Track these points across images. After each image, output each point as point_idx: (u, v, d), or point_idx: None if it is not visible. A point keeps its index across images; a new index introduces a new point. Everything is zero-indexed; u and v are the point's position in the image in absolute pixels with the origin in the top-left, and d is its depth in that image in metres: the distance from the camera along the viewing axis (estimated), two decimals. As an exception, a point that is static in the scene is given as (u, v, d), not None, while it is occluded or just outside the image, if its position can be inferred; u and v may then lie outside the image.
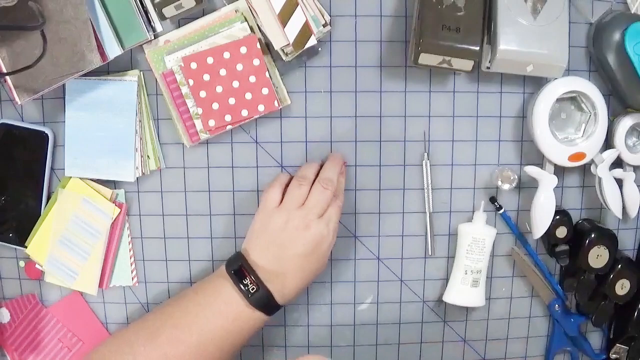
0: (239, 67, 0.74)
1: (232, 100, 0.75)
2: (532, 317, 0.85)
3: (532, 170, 0.78)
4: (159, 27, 0.75)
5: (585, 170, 0.81)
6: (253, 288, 0.70)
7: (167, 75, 0.75)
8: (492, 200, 0.81)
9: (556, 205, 0.78)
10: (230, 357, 0.73)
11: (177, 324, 0.70)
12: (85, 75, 0.72)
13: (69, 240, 0.78)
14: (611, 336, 0.85)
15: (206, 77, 0.74)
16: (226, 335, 0.70)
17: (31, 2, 0.66)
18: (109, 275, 0.80)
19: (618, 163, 0.80)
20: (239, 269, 0.71)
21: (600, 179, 0.78)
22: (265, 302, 0.70)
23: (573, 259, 0.80)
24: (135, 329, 0.73)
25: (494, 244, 0.81)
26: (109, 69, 0.76)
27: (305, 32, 0.72)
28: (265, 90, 0.75)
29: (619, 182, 0.80)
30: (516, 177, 0.80)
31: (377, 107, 0.79)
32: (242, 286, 0.70)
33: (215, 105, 0.75)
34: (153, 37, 0.74)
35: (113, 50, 0.72)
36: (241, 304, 0.70)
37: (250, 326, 0.71)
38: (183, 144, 0.78)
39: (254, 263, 0.71)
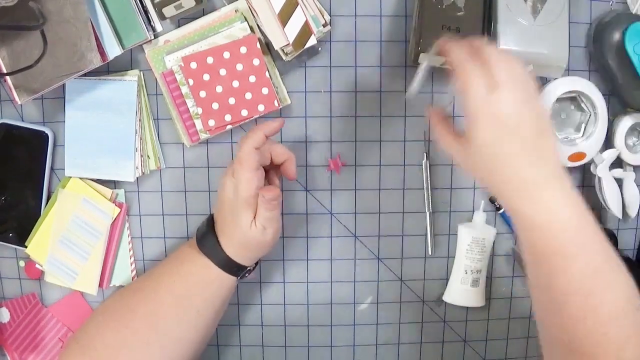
0: (239, 67, 0.74)
1: (232, 100, 0.75)
2: (532, 317, 0.85)
3: (532, 170, 0.78)
4: (159, 27, 0.75)
5: (585, 170, 0.81)
6: (205, 233, 0.71)
7: (167, 75, 0.75)
8: (492, 200, 0.81)
9: (556, 205, 0.78)
10: (191, 315, 0.71)
11: (138, 284, 0.74)
12: (85, 75, 0.72)
13: (69, 240, 0.78)
14: (611, 336, 0.85)
15: (206, 77, 0.74)
16: (180, 284, 0.70)
17: (31, 2, 0.66)
18: (109, 275, 0.80)
19: (618, 163, 0.80)
20: (206, 221, 0.73)
21: (600, 179, 0.78)
22: (210, 248, 0.69)
23: (573, 259, 0.80)
24: (110, 298, 0.76)
25: (494, 244, 0.81)
26: (109, 69, 0.76)
27: (305, 32, 0.72)
28: (265, 90, 0.75)
29: (619, 182, 0.80)
30: (516, 177, 0.80)
31: (377, 107, 0.79)
32: (197, 232, 0.72)
33: (215, 105, 0.75)
34: (153, 37, 0.74)
35: (113, 50, 0.72)
36: (194, 248, 0.71)
37: (202, 275, 0.70)
38: (183, 144, 0.79)
39: (216, 215, 0.72)
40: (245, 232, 0.68)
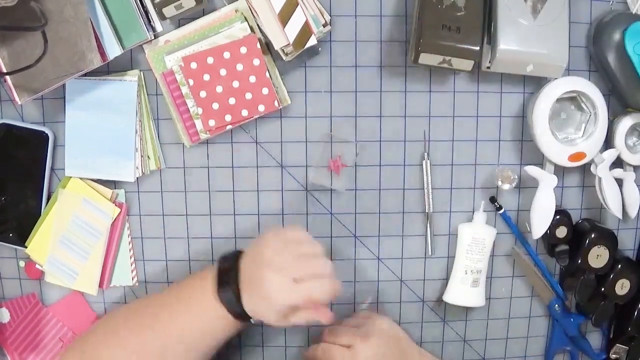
0: (239, 67, 0.74)
1: (232, 100, 0.75)
2: (532, 317, 0.85)
3: (532, 170, 0.78)
4: (159, 27, 0.75)
5: (585, 170, 0.81)
6: (226, 279, 0.69)
7: (167, 75, 0.75)
8: (492, 200, 0.81)
9: (556, 205, 0.78)
10: (198, 353, 0.71)
11: (152, 310, 0.73)
12: (85, 75, 0.72)
13: (69, 240, 0.78)
14: (611, 336, 0.85)
15: (206, 77, 0.74)
16: (189, 320, 0.70)
17: (33, 2, 0.65)
18: (109, 275, 0.80)
19: (618, 163, 0.80)
20: (227, 261, 0.71)
21: (600, 179, 0.78)
22: (229, 299, 0.68)
23: (573, 259, 0.80)
24: (121, 312, 0.75)
25: (494, 244, 0.81)
26: (109, 69, 0.76)
27: (305, 32, 0.72)
28: (265, 90, 0.75)
29: (619, 182, 0.80)
30: (516, 177, 0.80)
31: (377, 107, 0.79)
32: (219, 276, 0.69)
33: (215, 105, 0.75)
34: (153, 37, 0.75)
35: (113, 50, 0.72)
36: (209, 291, 0.69)
37: (211, 318, 0.69)
38: (183, 144, 0.78)
39: (241, 262, 0.70)
40: (274, 314, 0.68)
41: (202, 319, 0.70)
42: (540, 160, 0.79)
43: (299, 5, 0.72)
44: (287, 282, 0.67)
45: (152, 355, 0.70)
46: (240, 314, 0.69)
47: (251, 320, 0.70)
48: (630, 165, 0.80)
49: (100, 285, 0.80)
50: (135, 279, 0.81)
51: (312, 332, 0.83)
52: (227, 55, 0.74)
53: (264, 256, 0.68)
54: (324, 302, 0.69)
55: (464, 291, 0.80)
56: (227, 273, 0.70)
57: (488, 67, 0.75)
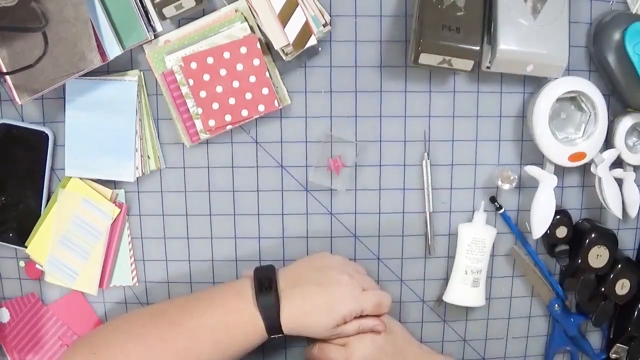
0: (239, 67, 0.74)
1: (232, 100, 0.75)
2: (532, 317, 0.85)
3: (532, 170, 0.78)
4: (159, 27, 0.75)
5: (585, 170, 0.81)
6: (267, 287, 0.70)
7: (167, 75, 0.75)
8: (492, 200, 0.81)
9: (556, 205, 0.78)
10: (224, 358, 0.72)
11: (180, 308, 0.72)
12: (85, 75, 0.72)
13: (69, 240, 0.78)
14: (611, 336, 0.85)
15: (206, 77, 0.74)
16: (223, 329, 0.70)
17: (34, 2, 0.65)
18: (109, 275, 0.80)
19: (618, 163, 0.80)
20: (265, 271, 0.73)
21: (600, 179, 0.78)
22: (270, 306, 0.69)
23: (573, 259, 0.80)
24: (138, 311, 0.76)
25: (494, 244, 0.81)
26: (109, 69, 0.76)
27: (305, 32, 0.72)
28: (265, 90, 0.75)
29: (619, 182, 0.80)
30: (516, 177, 0.80)
31: (377, 107, 0.79)
32: (258, 283, 0.71)
33: (215, 105, 0.75)
34: (153, 37, 0.74)
35: (113, 50, 0.72)
36: (249, 300, 0.70)
37: (246, 327, 0.70)
38: (183, 144, 0.78)
39: (279, 275, 0.73)
40: (331, 321, 0.71)
41: (239, 332, 0.70)
42: (540, 160, 0.79)
43: (299, 6, 0.72)
44: (358, 288, 0.72)
45: (175, 349, 0.69)
46: (274, 324, 0.70)
47: (277, 336, 0.71)
48: (630, 165, 0.80)
49: (100, 285, 0.80)
50: (135, 279, 0.81)
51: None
52: (227, 55, 0.74)
53: (330, 262, 0.74)
54: (387, 310, 0.75)
55: (464, 291, 0.80)
56: (267, 279, 0.71)
57: (488, 67, 0.75)
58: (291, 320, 0.70)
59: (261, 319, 0.70)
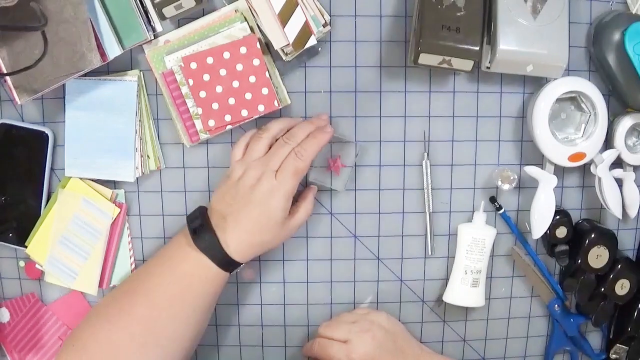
0: (239, 67, 0.74)
1: (232, 100, 0.75)
2: (532, 317, 0.85)
3: (532, 170, 0.78)
4: (159, 27, 0.75)
5: (585, 170, 0.81)
6: (199, 229, 0.70)
7: (167, 75, 0.75)
8: (492, 200, 0.81)
9: (556, 205, 0.78)
10: (188, 316, 0.71)
11: (131, 285, 0.73)
12: (85, 75, 0.72)
13: (69, 240, 0.78)
14: (611, 336, 0.85)
15: (206, 77, 0.74)
16: (175, 282, 0.70)
17: (33, 2, 0.65)
18: (109, 275, 0.80)
19: (618, 163, 0.80)
20: (194, 214, 0.73)
21: (600, 179, 0.78)
22: (208, 245, 0.69)
23: (573, 259, 0.80)
24: (104, 299, 0.75)
25: (494, 244, 0.81)
26: (109, 69, 0.76)
27: (305, 32, 0.72)
28: (265, 90, 0.75)
29: (619, 182, 0.80)
30: (516, 177, 0.80)
31: (377, 107, 0.79)
32: (190, 227, 0.71)
33: (215, 105, 0.75)
34: (153, 37, 0.75)
35: (113, 50, 0.72)
36: (188, 246, 0.70)
37: (197, 272, 0.70)
38: (183, 144, 0.79)
39: (210, 210, 0.72)
40: (278, 222, 0.71)
41: (186, 275, 0.70)
42: (540, 160, 0.79)
43: (299, 6, 0.72)
44: (272, 174, 0.70)
45: (142, 326, 0.69)
46: (223, 259, 0.70)
47: (239, 267, 0.71)
48: (630, 165, 0.80)
49: (100, 285, 0.80)
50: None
51: (312, 330, 0.83)
52: (227, 55, 0.74)
53: (236, 176, 0.72)
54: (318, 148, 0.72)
55: (464, 291, 0.80)
56: (197, 223, 0.71)
57: (488, 67, 0.75)
58: (240, 247, 0.70)
59: (209, 260, 0.70)
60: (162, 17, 0.73)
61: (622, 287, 0.80)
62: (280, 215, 0.71)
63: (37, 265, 0.80)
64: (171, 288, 0.70)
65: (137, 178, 0.78)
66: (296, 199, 0.74)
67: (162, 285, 0.71)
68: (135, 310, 0.70)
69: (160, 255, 0.74)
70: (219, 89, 0.75)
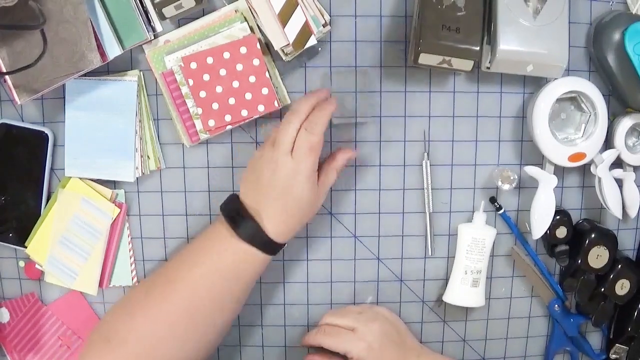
0: (239, 67, 0.74)
1: (232, 100, 0.75)
2: (532, 317, 0.85)
3: (532, 170, 0.78)
4: (159, 27, 0.75)
5: (585, 170, 0.81)
6: (239, 219, 0.69)
7: (167, 75, 0.75)
8: (492, 200, 0.81)
9: (556, 205, 0.78)
10: (229, 305, 0.72)
11: (171, 272, 0.72)
12: (85, 75, 0.72)
13: (69, 240, 0.78)
14: (611, 336, 0.85)
15: (206, 77, 0.74)
16: (219, 276, 0.70)
17: (31, 2, 0.66)
18: (109, 275, 0.80)
19: (618, 163, 0.80)
20: (228, 203, 0.72)
21: (600, 179, 0.78)
22: (252, 233, 0.69)
23: (573, 259, 0.80)
24: (135, 291, 0.75)
25: (494, 244, 0.81)
26: (109, 69, 0.76)
27: (305, 32, 0.72)
28: (265, 90, 0.75)
29: (619, 182, 0.80)
30: (516, 177, 0.80)
31: (377, 107, 0.79)
32: (229, 219, 0.70)
33: (215, 105, 0.75)
34: (153, 37, 0.75)
35: (113, 50, 0.72)
36: (231, 237, 0.69)
37: (244, 263, 0.70)
38: (183, 144, 0.79)
39: (242, 199, 0.71)
40: (307, 201, 0.70)
41: (232, 265, 0.70)
42: (540, 160, 0.79)
43: (299, 6, 0.72)
44: (286, 159, 0.68)
45: (184, 316, 0.69)
46: (267, 245, 0.69)
47: (283, 246, 0.71)
48: (630, 165, 0.80)
49: (100, 285, 0.80)
50: (135, 279, 0.81)
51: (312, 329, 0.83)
52: (227, 55, 0.74)
53: (262, 162, 0.70)
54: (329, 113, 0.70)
55: (464, 291, 0.80)
56: (234, 212, 0.70)
57: (488, 67, 0.75)
58: (279, 230, 0.70)
59: (255, 249, 0.69)
60: (162, 17, 0.73)
61: (622, 287, 0.80)
62: (307, 195, 0.69)
63: (37, 265, 0.80)
64: (216, 279, 0.70)
65: (137, 178, 0.78)
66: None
67: (207, 276, 0.70)
68: (178, 302, 0.69)
69: (199, 247, 0.72)
70: (219, 89, 0.75)
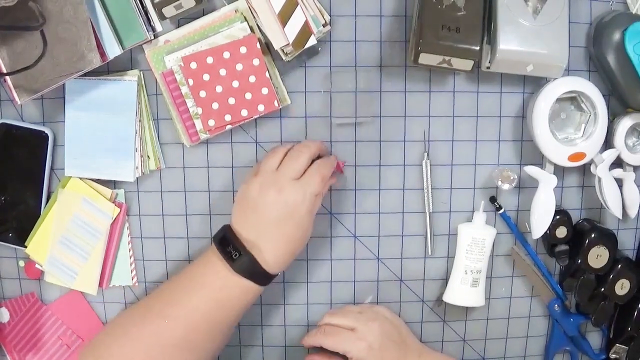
0: (239, 67, 0.74)
1: (232, 100, 0.75)
2: (532, 317, 0.85)
3: (532, 170, 0.78)
4: (158, 27, 0.75)
5: (585, 170, 0.81)
6: (235, 254, 0.69)
7: (167, 75, 0.75)
8: (492, 200, 0.81)
9: (556, 205, 0.78)
10: (223, 332, 0.73)
11: (167, 300, 0.72)
12: (85, 75, 0.72)
13: (69, 240, 0.78)
14: (611, 336, 0.85)
15: (206, 77, 0.74)
16: (215, 307, 0.70)
17: (31, 2, 0.66)
18: (109, 275, 0.80)
19: (618, 163, 0.80)
20: (223, 237, 0.71)
21: (600, 179, 0.78)
22: (249, 268, 0.69)
23: (573, 259, 0.80)
24: (130, 311, 0.75)
25: (494, 244, 0.81)
26: (109, 69, 0.76)
27: (305, 32, 0.72)
28: (265, 90, 0.75)
29: (619, 182, 0.80)
30: (516, 177, 0.80)
31: (377, 107, 0.79)
32: (224, 254, 0.70)
33: (215, 105, 0.75)
34: (153, 37, 0.74)
35: (113, 50, 0.72)
36: (227, 271, 0.70)
37: (239, 295, 0.70)
38: (183, 144, 0.78)
39: (236, 231, 0.71)
40: (307, 228, 0.71)
41: (228, 299, 0.70)
42: (540, 160, 0.79)
43: (299, 5, 0.72)
44: (298, 183, 0.70)
45: (177, 347, 0.70)
46: (265, 278, 0.70)
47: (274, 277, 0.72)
48: (630, 165, 0.80)
49: (100, 285, 0.80)
50: (135, 279, 0.81)
51: (312, 329, 0.83)
52: (226, 55, 0.74)
53: (253, 190, 0.70)
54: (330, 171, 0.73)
55: (464, 291, 0.80)
56: (229, 248, 0.70)
57: (488, 67, 0.75)
58: (279, 259, 0.70)
59: (250, 282, 0.70)
60: (162, 17, 0.73)
61: (622, 287, 0.80)
62: (308, 222, 0.71)
63: (37, 265, 0.80)
64: (212, 311, 0.70)
65: (137, 178, 0.78)
66: None
67: (201, 309, 0.70)
68: (172, 333, 0.70)
69: (192, 279, 0.72)
70: (219, 88, 0.75)
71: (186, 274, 0.73)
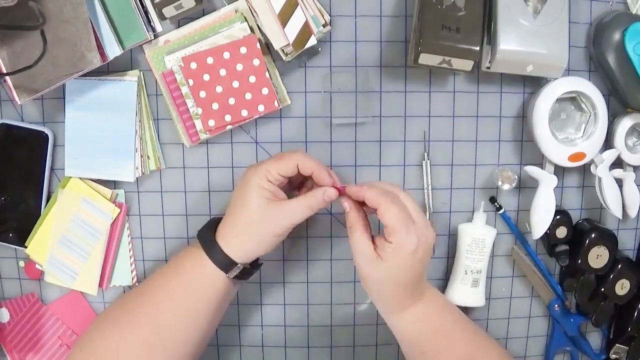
0: (239, 67, 0.74)
1: (232, 100, 0.75)
2: (532, 317, 0.85)
3: (532, 170, 0.78)
4: (159, 27, 0.75)
5: (585, 170, 0.81)
6: (201, 234, 0.71)
7: (167, 75, 0.75)
8: (492, 200, 0.81)
9: (556, 205, 0.78)
10: (195, 322, 0.71)
11: (139, 290, 0.73)
12: (85, 75, 0.72)
13: (69, 240, 0.78)
14: (611, 336, 0.85)
15: (206, 77, 0.74)
16: (180, 288, 0.70)
17: (31, 2, 0.66)
18: (109, 275, 0.80)
19: (618, 163, 0.80)
20: (206, 226, 0.73)
21: (600, 179, 0.78)
22: (208, 243, 0.69)
23: (573, 259, 0.80)
24: (112, 305, 0.76)
25: (494, 244, 0.81)
26: (109, 69, 0.76)
27: (305, 32, 0.72)
28: (265, 90, 0.75)
29: (619, 182, 0.80)
30: (516, 177, 0.80)
31: (377, 107, 0.79)
32: (199, 238, 0.71)
33: (215, 105, 0.75)
34: (153, 37, 0.75)
35: (113, 50, 0.72)
36: (192, 246, 0.71)
37: (200, 275, 0.70)
38: (183, 144, 0.79)
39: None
40: (256, 211, 0.69)
41: (185, 272, 0.71)
42: (540, 160, 0.79)
43: (299, 6, 0.72)
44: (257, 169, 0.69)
45: (148, 328, 0.70)
46: (221, 258, 0.69)
47: (237, 269, 0.70)
48: (630, 165, 0.80)
49: (100, 285, 0.80)
50: (135, 279, 0.81)
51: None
52: (227, 55, 0.74)
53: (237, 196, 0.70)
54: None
55: (464, 291, 0.80)
56: (203, 226, 0.72)
57: (488, 67, 0.75)
58: (233, 243, 0.69)
59: (208, 259, 0.69)
60: (162, 17, 0.73)
61: (622, 287, 0.80)
62: (255, 205, 0.68)
63: (37, 265, 0.80)
64: (172, 286, 0.70)
65: (137, 178, 0.78)
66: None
67: (166, 285, 0.71)
68: (141, 311, 0.70)
69: (170, 259, 0.74)
70: (219, 89, 0.75)
71: (168, 262, 0.75)
